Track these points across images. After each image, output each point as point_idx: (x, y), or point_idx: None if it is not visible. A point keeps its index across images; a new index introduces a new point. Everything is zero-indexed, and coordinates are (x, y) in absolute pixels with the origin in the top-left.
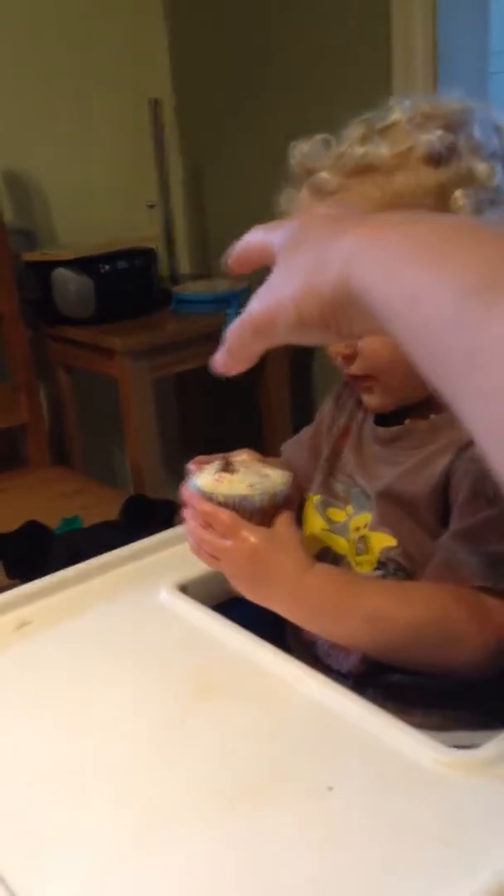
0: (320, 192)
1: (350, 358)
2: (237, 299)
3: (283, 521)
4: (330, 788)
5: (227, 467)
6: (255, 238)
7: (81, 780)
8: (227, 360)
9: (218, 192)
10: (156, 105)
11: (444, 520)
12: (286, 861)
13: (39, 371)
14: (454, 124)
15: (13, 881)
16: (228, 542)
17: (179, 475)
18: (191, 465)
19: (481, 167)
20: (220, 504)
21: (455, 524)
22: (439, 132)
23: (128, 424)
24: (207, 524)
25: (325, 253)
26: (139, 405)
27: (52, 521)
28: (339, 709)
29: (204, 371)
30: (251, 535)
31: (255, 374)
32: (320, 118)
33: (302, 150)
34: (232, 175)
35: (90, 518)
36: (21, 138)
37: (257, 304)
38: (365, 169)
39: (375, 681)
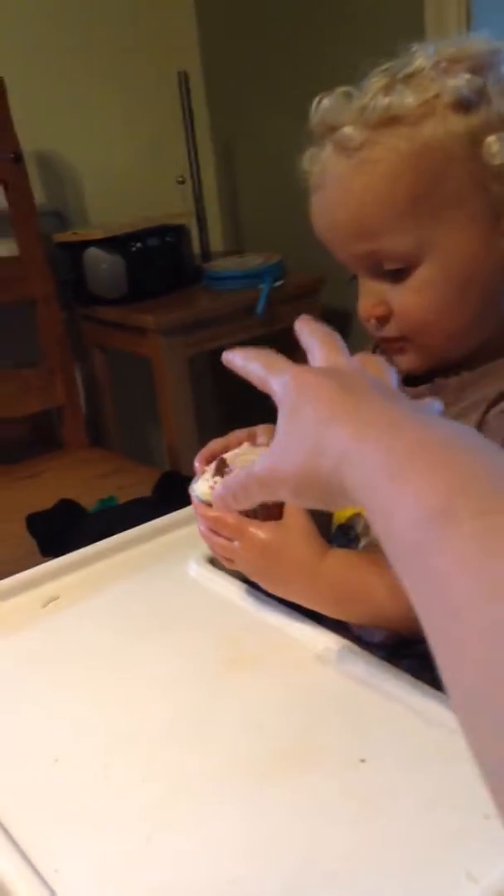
0: (345, 149)
1: (383, 319)
2: (270, 274)
3: (290, 509)
4: (363, 760)
5: (222, 470)
6: (255, 372)
7: (109, 755)
8: (230, 503)
9: (249, 167)
10: (184, 77)
11: None
12: (319, 834)
13: (74, 353)
14: (481, 66)
15: (38, 858)
16: (238, 544)
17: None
18: (196, 464)
19: None
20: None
21: None
22: (466, 76)
23: (163, 402)
24: (215, 530)
25: (322, 441)
26: (174, 383)
27: (89, 503)
28: (372, 679)
29: (239, 347)
30: (259, 532)
31: (290, 349)
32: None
33: (323, 106)
34: (263, 149)
35: (126, 498)
36: (48, 119)
37: (264, 463)
38: (391, 120)
39: (409, 651)
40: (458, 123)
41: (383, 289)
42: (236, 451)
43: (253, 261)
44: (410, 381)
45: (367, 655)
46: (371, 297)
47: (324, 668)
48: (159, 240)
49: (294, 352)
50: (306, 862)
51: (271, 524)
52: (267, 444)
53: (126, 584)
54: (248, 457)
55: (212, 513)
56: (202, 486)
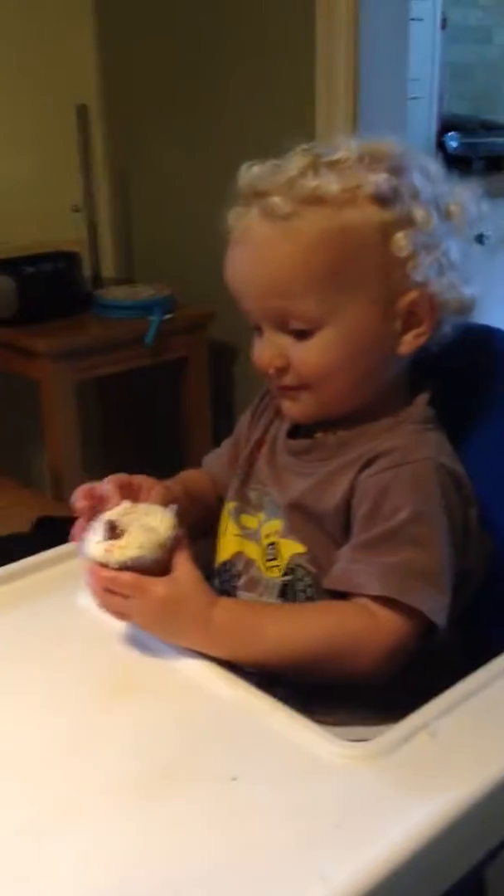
0: (272, 216)
1: (282, 370)
2: (160, 306)
3: (180, 562)
4: (234, 778)
5: (113, 532)
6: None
7: None
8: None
9: (143, 198)
10: (83, 111)
11: (348, 531)
12: (192, 842)
13: None
14: (397, 168)
15: None
16: (135, 601)
17: (102, 478)
18: (75, 503)
19: (420, 212)
20: (116, 569)
21: (354, 537)
22: (385, 175)
23: (48, 427)
24: (109, 589)
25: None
26: (60, 408)
27: None
28: (247, 706)
29: (126, 375)
30: (155, 588)
31: (176, 379)
32: (243, 128)
33: (253, 173)
34: (157, 182)
35: (3, 518)
36: None
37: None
38: (316, 200)
39: (281, 680)
40: (374, 215)
41: (285, 343)
42: (119, 509)
43: (144, 292)
44: (293, 434)
45: (243, 683)
46: (273, 348)
47: (203, 694)
48: (52, 265)
49: (178, 382)
50: (180, 868)
51: (165, 579)
52: (147, 502)
53: (11, 615)
54: (136, 518)
55: (107, 573)
56: (96, 548)
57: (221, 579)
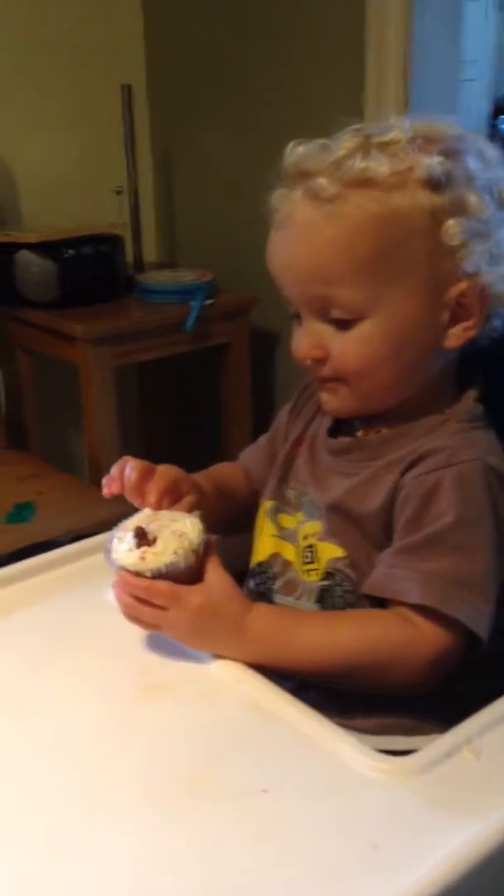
0: (317, 198)
1: (320, 361)
2: (201, 291)
3: (212, 569)
4: (265, 791)
5: (144, 539)
6: None
7: (19, 777)
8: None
9: (186, 182)
10: (127, 91)
11: (389, 534)
12: (218, 857)
13: None
14: (451, 151)
15: None
16: (171, 611)
17: None
18: (111, 475)
19: (474, 198)
20: (151, 578)
21: (397, 541)
22: (439, 158)
23: (87, 411)
24: (144, 599)
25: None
26: (99, 393)
27: (5, 506)
28: (278, 712)
29: (167, 361)
30: (191, 597)
31: (217, 366)
32: (290, 111)
33: (298, 152)
34: (201, 165)
35: (44, 503)
36: None
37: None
38: (364, 182)
39: (317, 685)
40: (425, 200)
41: (325, 332)
42: (141, 515)
43: (186, 276)
44: (334, 432)
45: (276, 688)
46: (311, 337)
47: (233, 698)
48: (93, 248)
49: (219, 370)
50: (205, 883)
51: (199, 587)
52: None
53: (38, 608)
54: (164, 524)
55: (142, 583)
56: (129, 556)
57: (257, 581)
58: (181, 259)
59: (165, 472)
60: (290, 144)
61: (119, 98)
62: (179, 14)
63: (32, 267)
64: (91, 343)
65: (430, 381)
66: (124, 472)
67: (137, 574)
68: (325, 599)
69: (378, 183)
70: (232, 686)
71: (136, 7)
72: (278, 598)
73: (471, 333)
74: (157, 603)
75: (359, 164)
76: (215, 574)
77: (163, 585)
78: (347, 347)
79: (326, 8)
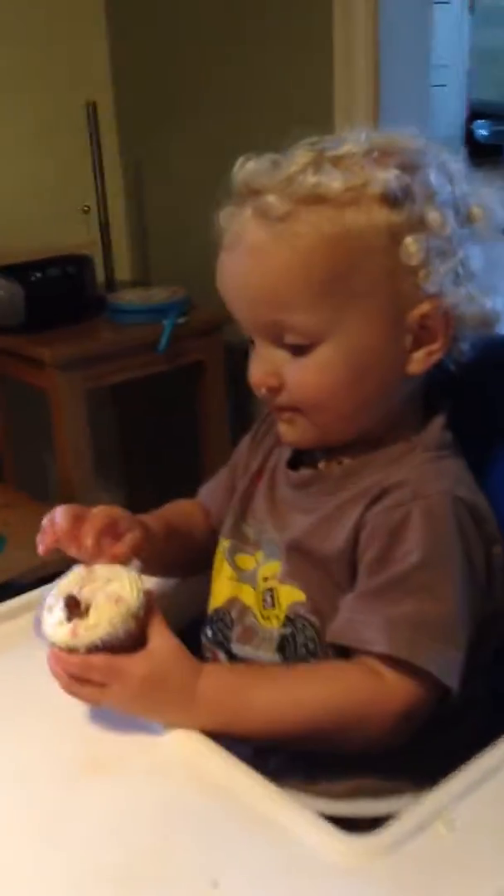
0: (267, 217)
1: (275, 390)
2: (174, 310)
3: (155, 631)
4: (215, 885)
5: (76, 609)
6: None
7: None
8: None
9: (158, 198)
10: (93, 108)
11: (354, 576)
12: None
13: None
14: (410, 165)
15: None
16: (113, 686)
17: (117, 490)
18: (47, 522)
19: (434, 214)
20: (85, 654)
21: (360, 583)
22: (395, 171)
23: (58, 438)
24: (80, 677)
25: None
26: (70, 418)
27: None
28: (234, 787)
29: (143, 382)
30: (133, 667)
31: (193, 384)
32: (261, 123)
33: (248, 168)
34: (172, 180)
35: (13, 535)
36: None
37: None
38: (316, 199)
39: (278, 750)
40: (381, 216)
41: (280, 359)
42: (73, 577)
43: (158, 295)
44: (295, 462)
45: (232, 759)
46: (266, 364)
47: (185, 773)
48: (61, 270)
49: (195, 388)
50: None
51: (142, 655)
52: (112, 554)
53: None
54: (99, 587)
55: (75, 660)
56: (59, 632)
57: (214, 629)
58: (155, 277)
59: (100, 512)
60: (240, 160)
61: (84, 116)
62: (144, 29)
63: None
64: (60, 368)
65: (395, 408)
66: (54, 522)
67: (71, 650)
68: (287, 648)
69: (331, 200)
70: (183, 759)
71: (101, 23)
72: (236, 647)
73: (435, 358)
74: (95, 679)
75: (310, 179)
76: (159, 637)
77: (99, 661)
78: (303, 375)
79: (292, 15)
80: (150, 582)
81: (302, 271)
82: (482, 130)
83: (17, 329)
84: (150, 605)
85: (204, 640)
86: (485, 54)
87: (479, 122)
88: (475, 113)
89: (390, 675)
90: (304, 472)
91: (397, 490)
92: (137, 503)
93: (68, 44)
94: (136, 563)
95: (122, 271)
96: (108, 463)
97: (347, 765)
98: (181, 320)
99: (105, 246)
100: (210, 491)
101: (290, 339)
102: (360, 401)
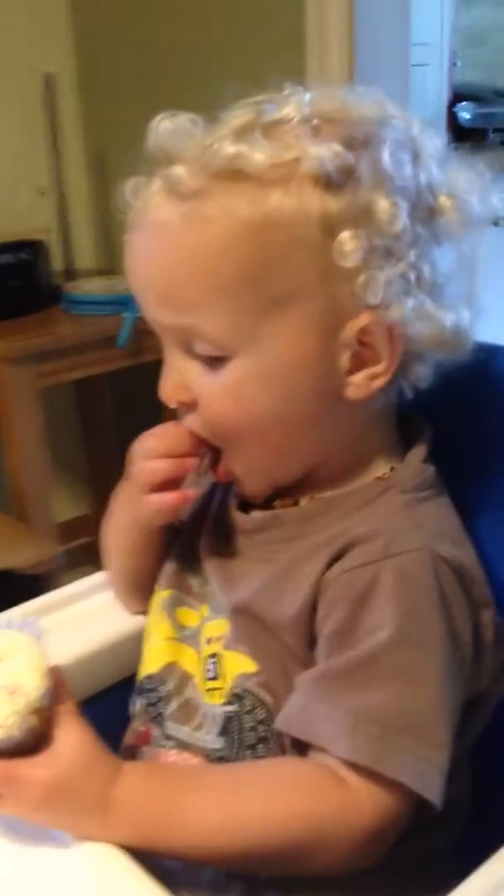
0: (174, 192)
1: (188, 406)
2: (136, 301)
3: (64, 725)
4: None
5: None
6: None
7: None
8: None
9: (123, 179)
10: (50, 80)
11: (313, 644)
12: None
13: None
14: (359, 139)
15: None
16: (9, 797)
17: (80, 491)
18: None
19: (384, 204)
20: None
21: (320, 660)
22: (337, 147)
23: (8, 439)
24: None
25: None
26: (22, 417)
27: None
28: None
29: (107, 377)
30: (33, 772)
31: (155, 380)
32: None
33: (162, 129)
34: (140, 160)
35: None
36: None
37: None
38: (234, 174)
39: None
40: (313, 203)
41: (192, 370)
42: None
43: (119, 285)
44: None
45: (148, 883)
46: (175, 375)
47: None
48: (12, 256)
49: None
50: None
51: (44, 757)
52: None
53: None
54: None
55: None
56: None
57: (145, 702)
58: (121, 266)
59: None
60: (157, 118)
61: (40, 89)
62: None
63: None
64: (10, 362)
65: (354, 439)
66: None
67: None
68: (233, 731)
69: (252, 176)
70: (91, 880)
71: None
72: (171, 728)
73: (379, 383)
74: None
75: (228, 149)
76: (67, 732)
77: None
78: (216, 395)
79: None
80: (63, 650)
81: (210, 265)
82: (465, 113)
83: None
84: (57, 689)
85: (133, 713)
86: (471, 34)
87: (463, 104)
88: (458, 95)
89: (356, 783)
90: (256, 517)
91: (364, 544)
92: (101, 506)
93: (24, 8)
94: (37, 627)
95: (85, 259)
96: (70, 463)
97: (303, 882)
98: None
99: (63, 231)
100: None
101: (199, 348)
102: (288, 431)
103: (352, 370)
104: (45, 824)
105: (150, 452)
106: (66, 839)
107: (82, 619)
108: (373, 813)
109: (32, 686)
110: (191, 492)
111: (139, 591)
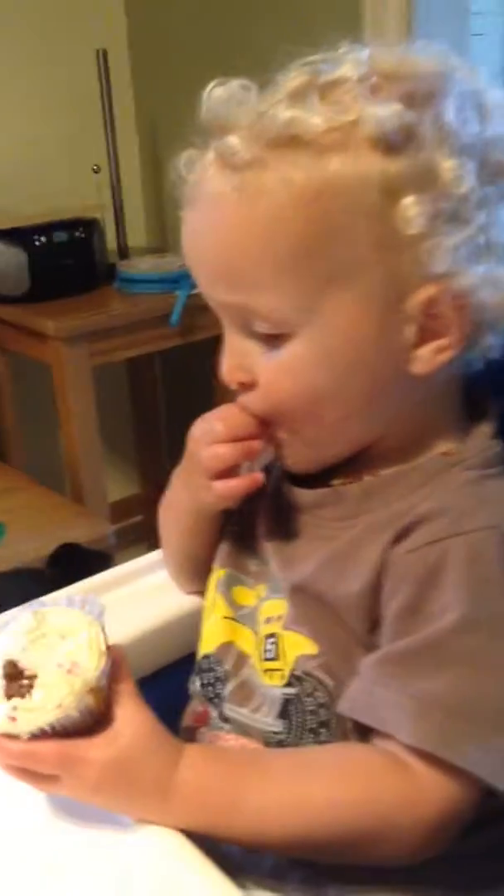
0: (227, 164)
1: (248, 387)
2: (188, 279)
3: (123, 705)
4: None
5: (15, 682)
6: None
7: None
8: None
9: (177, 153)
10: (103, 56)
11: (377, 626)
12: None
13: None
14: (421, 96)
15: None
16: (66, 779)
17: (130, 471)
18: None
19: (448, 165)
20: (29, 739)
21: (385, 642)
22: (397, 106)
23: (63, 417)
24: (24, 769)
25: None
26: (76, 395)
27: None
28: None
29: (158, 357)
30: (91, 753)
31: (211, 361)
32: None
33: (215, 97)
34: (194, 132)
35: (14, 522)
36: None
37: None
38: (290, 141)
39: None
40: (374, 167)
41: (252, 350)
42: (20, 627)
43: (172, 263)
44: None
45: (209, 868)
46: (235, 356)
47: (152, 883)
48: (67, 234)
49: (212, 364)
50: None
51: (102, 739)
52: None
53: None
54: (48, 651)
55: (15, 749)
56: None
57: (202, 682)
58: (173, 243)
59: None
60: (209, 86)
61: (94, 65)
62: None
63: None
64: (64, 341)
65: (416, 414)
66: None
67: (11, 736)
68: (292, 715)
69: (308, 142)
70: (153, 866)
71: None
72: (229, 709)
73: (446, 356)
74: (42, 772)
75: (283, 114)
76: (127, 712)
77: (47, 749)
78: (276, 375)
79: None
80: (122, 628)
81: (266, 238)
82: None
83: (19, 299)
84: (116, 668)
85: (192, 695)
86: None
87: None
88: None
89: (422, 772)
90: (316, 492)
91: (430, 522)
92: (151, 486)
93: None
94: (97, 603)
95: (137, 237)
96: (120, 442)
97: (365, 872)
98: (196, 291)
99: (117, 209)
100: None
101: (258, 326)
102: (351, 408)
103: (417, 344)
104: (102, 806)
105: (215, 437)
106: (126, 822)
107: (141, 596)
108: (438, 802)
109: (90, 665)
110: (259, 475)
111: (195, 573)
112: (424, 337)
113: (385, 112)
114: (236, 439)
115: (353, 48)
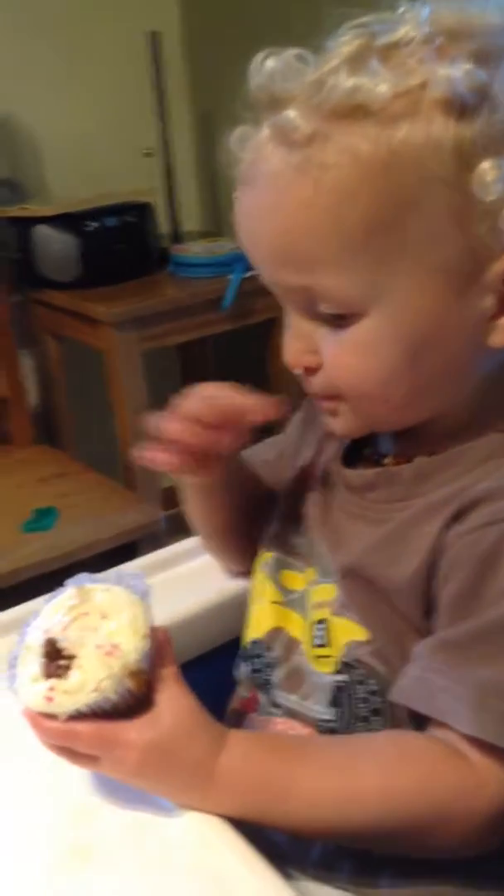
0: (286, 140)
1: (312, 371)
2: (241, 262)
3: (166, 687)
4: None
5: (54, 662)
6: None
7: None
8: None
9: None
10: (156, 39)
11: (431, 611)
12: None
13: (25, 339)
14: (490, 54)
15: None
16: (105, 760)
17: None
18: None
19: None
20: (67, 720)
21: (440, 627)
22: (467, 66)
23: (116, 403)
24: (62, 747)
25: None
26: (128, 381)
27: (24, 513)
28: (259, 890)
29: (210, 340)
30: (131, 735)
31: (264, 346)
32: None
33: (267, 69)
34: (245, 107)
35: (67, 508)
36: (5, 79)
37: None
38: (353, 110)
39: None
40: (446, 132)
41: (317, 332)
42: (61, 603)
43: (224, 247)
44: (354, 455)
45: (254, 857)
46: (300, 340)
47: (194, 871)
48: (119, 219)
49: (265, 346)
50: None
51: (144, 721)
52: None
53: None
54: (89, 630)
55: (54, 728)
56: (32, 691)
57: (250, 669)
58: (227, 227)
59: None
60: (259, 56)
61: (147, 48)
62: None
63: (51, 243)
64: (116, 326)
65: (475, 389)
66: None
67: (50, 717)
68: (342, 702)
69: (374, 111)
70: (193, 852)
71: None
72: (279, 695)
73: None
74: (81, 751)
75: (345, 83)
76: (170, 695)
77: (85, 730)
78: (343, 356)
79: None
80: (168, 610)
81: (331, 217)
82: None
83: (72, 284)
84: (161, 651)
85: (240, 681)
86: None
87: None
88: None
89: (479, 761)
90: (367, 473)
91: (488, 503)
92: None
93: None
94: (143, 584)
95: (191, 221)
96: None
97: (418, 863)
98: (249, 274)
99: (170, 193)
100: (262, 459)
101: (324, 308)
102: (416, 388)
103: (497, 314)
104: (143, 789)
105: (181, 411)
106: (169, 807)
107: (187, 579)
108: (495, 793)
109: (130, 648)
110: (162, 456)
111: (231, 552)
112: (503, 307)
113: (456, 73)
114: (212, 426)
115: (411, 7)
